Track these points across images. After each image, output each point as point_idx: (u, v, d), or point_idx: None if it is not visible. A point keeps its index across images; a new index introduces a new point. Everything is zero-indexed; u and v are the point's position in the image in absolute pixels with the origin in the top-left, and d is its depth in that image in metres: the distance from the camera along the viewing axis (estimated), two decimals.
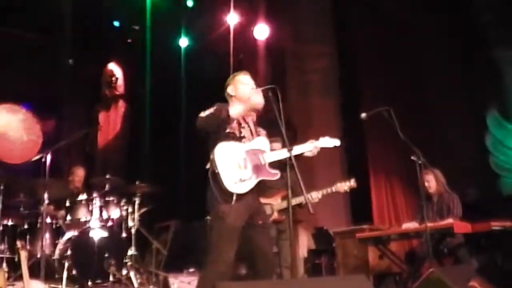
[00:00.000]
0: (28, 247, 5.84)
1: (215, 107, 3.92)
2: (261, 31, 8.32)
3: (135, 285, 5.81)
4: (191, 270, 6.14)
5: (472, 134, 7.40)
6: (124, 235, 6.19)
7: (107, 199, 6.17)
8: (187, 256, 6.69)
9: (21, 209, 6.10)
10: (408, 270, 5.79)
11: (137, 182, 6.47)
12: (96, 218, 5.95)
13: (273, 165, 3.98)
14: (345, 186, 5.35)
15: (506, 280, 5.40)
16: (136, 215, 6.32)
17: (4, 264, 5.54)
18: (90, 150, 9.34)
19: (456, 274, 3.85)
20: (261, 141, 4.06)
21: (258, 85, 4.14)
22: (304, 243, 8.31)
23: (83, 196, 6.13)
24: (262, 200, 5.26)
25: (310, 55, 8.77)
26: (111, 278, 5.68)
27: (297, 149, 4.02)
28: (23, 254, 4.93)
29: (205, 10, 8.63)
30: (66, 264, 5.58)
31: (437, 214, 5.81)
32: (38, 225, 5.94)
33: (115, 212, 6.17)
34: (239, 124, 4.04)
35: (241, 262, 4.11)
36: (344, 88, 8.59)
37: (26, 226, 6.05)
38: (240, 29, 8.49)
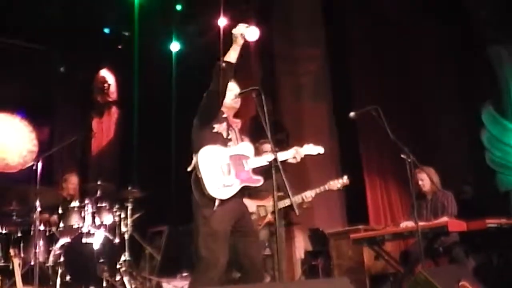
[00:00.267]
0: (22, 254, 5.83)
1: None
2: (252, 34, 8.28)
3: None
4: (184, 274, 6.13)
5: (467, 131, 7.40)
6: (117, 240, 6.16)
7: (99, 205, 6.17)
8: (180, 260, 6.68)
9: (14, 217, 6.10)
10: (403, 270, 5.76)
11: (129, 188, 6.45)
12: (89, 224, 5.95)
13: (259, 169, 3.96)
14: (337, 183, 5.35)
15: (502, 279, 5.39)
16: (129, 220, 6.31)
17: None
18: (82, 156, 9.32)
19: (445, 275, 3.82)
20: (246, 147, 4.05)
21: (246, 87, 4.14)
22: (301, 244, 8.30)
23: (75, 203, 6.14)
24: (256, 202, 5.31)
25: (301, 58, 8.76)
26: (104, 284, 5.66)
27: (281, 156, 4.01)
28: (16, 262, 4.94)
29: (196, 14, 8.62)
30: (60, 271, 5.56)
31: (432, 212, 5.79)
32: (32, 232, 5.91)
33: (107, 218, 6.16)
34: (228, 126, 4.03)
35: (232, 267, 4.09)
36: (336, 90, 8.58)
37: (19, 234, 6.04)
38: (231, 31, 8.47)
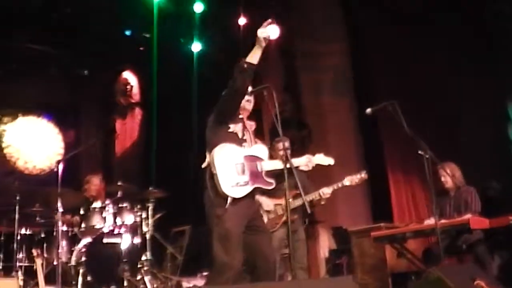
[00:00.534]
0: (45, 255, 5.98)
1: None
2: (272, 31, 8.25)
3: None
4: (205, 273, 6.14)
5: (492, 126, 7.22)
6: (138, 240, 6.21)
7: (120, 205, 6.22)
8: (201, 259, 6.69)
9: (38, 218, 6.23)
10: (425, 269, 5.65)
11: (150, 188, 6.50)
12: (110, 225, 6.01)
13: (272, 171, 3.98)
14: (356, 178, 5.28)
15: None
16: (150, 220, 6.35)
17: (20, 272, 5.61)
18: (106, 158, 9.43)
19: (459, 273, 3.71)
20: (261, 149, 4.06)
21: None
22: (325, 243, 8.24)
23: (97, 204, 6.22)
24: (274, 201, 5.28)
25: (322, 53, 8.70)
26: (125, 283, 5.71)
27: (293, 162, 4.02)
28: (39, 262, 5.03)
29: (216, 14, 8.63)
30: (81, 271, 5.63)
31: (455, 209, 5.66)
32: (54, 233, 6.01)
33: (129, 218, 6.21)
34: (244, 126, 4.03)
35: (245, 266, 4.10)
36: (357, 86, 8.49)
37: (43, 235, 6.16)
38: (252, 30, 8.47)
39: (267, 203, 5.19)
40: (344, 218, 8.07)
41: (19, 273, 5.57)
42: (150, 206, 6.40)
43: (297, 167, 4.11)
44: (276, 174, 4.00)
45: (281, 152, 4.34)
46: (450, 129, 7.41)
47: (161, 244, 6.95)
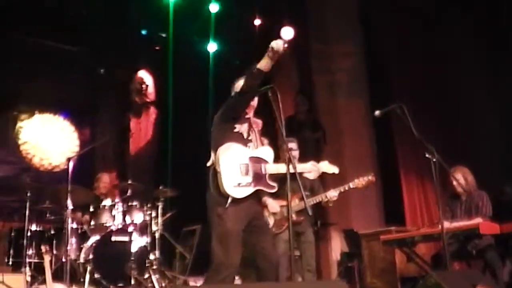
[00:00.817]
0: (54, 251, 6.02)
1: None
2: (287, 32, 8.23)
3: None
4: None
5: (505, 130, 7.09)
6: (147, 239, 6.23)
7: (130, 204, 6.25)
8: (210, 259, 6.68)
9: (48, 215, 6.28)
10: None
11: (160, 187, 6.52)
12: (119, 223, 6.05)
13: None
14: (363, 181, 5.21)
15: None
16: (160, 219, 6.37)
17: (27, 268, 5.67)
18: (121, 156, 9.49)
19: (459, 279, 3.64)
20: (266, 151, 4.04)
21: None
22: (337, 245, 8.18)
23: (107, 202, 6.26)
24: (280, 203, 5.25)
25: (337, 54, 8.67)
26: (132, 282, 5.74)
27: (298, 168, 3.95)
28: (47, 259, 5.06)
29: (232, 14, 8.63)
30: (89, 268, 5.67)
31: (466, 213, 5.56)
32: (64, 230, 6.07)
33: (138, 217, 6.24)
34: (250, 126, 4.02)
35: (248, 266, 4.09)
36: (371, 87, 8.42)
37: (52, 232, 6.20)
38: (266, 31, 8.46)
39: (273, 205, 5.16)
40: (357, 220, 8.00)
41: (27, 269, 5.62)
42: (160, 205, 6.42)
43: (301, 173, 4.07)
44: (280, 177, 3.96)
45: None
46: (464, 131, 7.31)
47: (170, 243, 6.96)
